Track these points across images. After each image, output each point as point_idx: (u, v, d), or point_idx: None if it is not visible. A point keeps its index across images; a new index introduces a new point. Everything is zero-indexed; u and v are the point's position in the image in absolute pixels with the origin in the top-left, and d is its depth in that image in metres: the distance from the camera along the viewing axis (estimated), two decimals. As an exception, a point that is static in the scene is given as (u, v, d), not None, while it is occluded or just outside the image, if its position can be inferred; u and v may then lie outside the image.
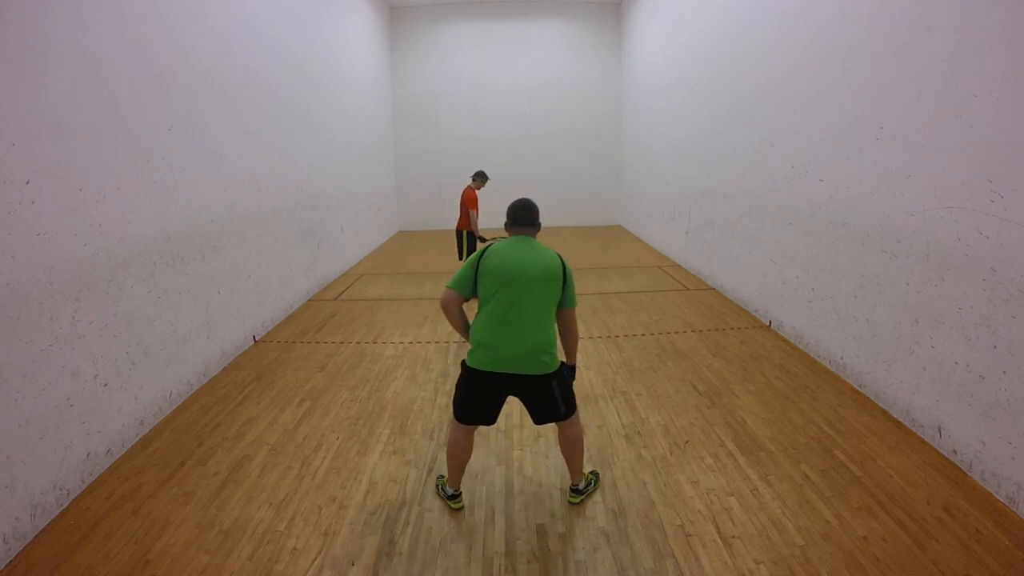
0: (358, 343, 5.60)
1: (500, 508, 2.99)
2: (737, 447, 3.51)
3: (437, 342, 5.58)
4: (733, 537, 2.71)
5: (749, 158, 6.28)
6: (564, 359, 2.86)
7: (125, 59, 3.78)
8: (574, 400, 2.84)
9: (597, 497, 3.05)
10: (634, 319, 6.18)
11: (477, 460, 3.43)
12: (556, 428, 2.97)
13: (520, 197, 2.90)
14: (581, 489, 3.01)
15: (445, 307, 2.75)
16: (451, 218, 13.60)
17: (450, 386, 4.52)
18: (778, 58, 5.52)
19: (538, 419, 2.83)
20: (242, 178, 5.54)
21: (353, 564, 2.61)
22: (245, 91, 5.64)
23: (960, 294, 3.26)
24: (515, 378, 2.66)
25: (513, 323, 2.62)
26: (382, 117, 12.34)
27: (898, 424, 3.74)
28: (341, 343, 5.61)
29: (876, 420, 3.80)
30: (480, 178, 7.36)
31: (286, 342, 5.67)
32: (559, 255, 2.78)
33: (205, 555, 2.68)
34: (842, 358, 4.49)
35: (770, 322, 5.78)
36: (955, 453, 3.29)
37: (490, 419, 2.82)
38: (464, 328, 2.80)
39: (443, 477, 3.15)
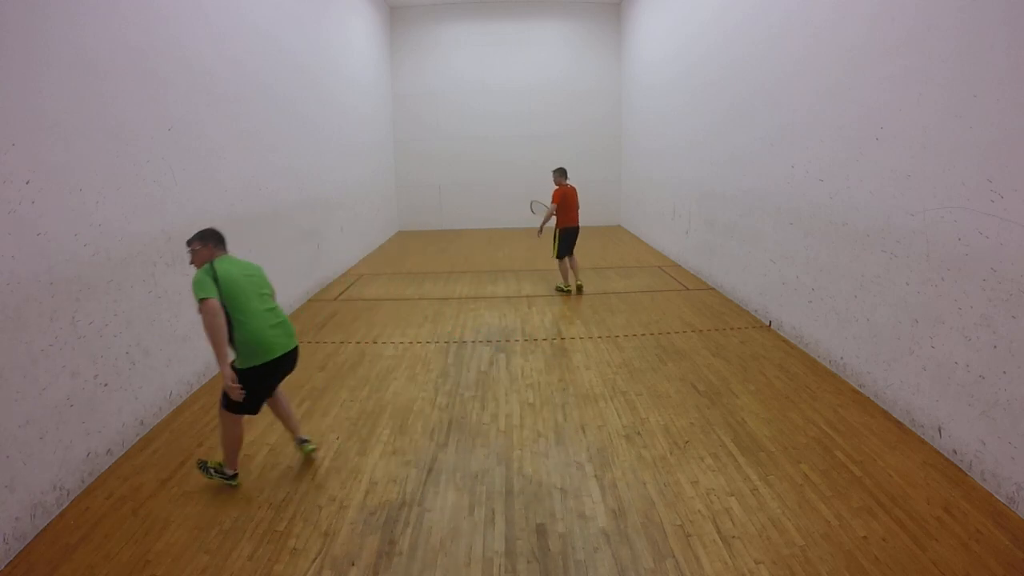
0: (358, 343, 5.60)
1: (500, 508, 2.99)
2: (737, 447, 3.51)
3: (437, 342, 5.58)
4: (733, 537, 2.71)
5: (749, 158, 6.28)
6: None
7: (125, 59, 3.78)
8: None
9: (597, 497, 3.05)
10: (634, 319, 6.18)
11: (477, 460, 3.43)
12: (279, 399, 3.39)
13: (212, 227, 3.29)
14: (308, 439, 3.42)
15: (215, 314, 2.83)
16: (450, 218, 13.74)
17: (450, 386, 4.52)
18: (778, 58, 5.52)
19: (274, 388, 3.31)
20: (242, 178, 5.54)
21: (353, 564, 2.61)
22: (245, 91, 5.64)
23: (960, 294, 3.26)
24: (292, 355, 3.18)
25: (274, 314, 3.15)
26: (382, 117, 12.34)
27: (898, 424, 3.74)
28: (341, 343, 5.61)
29: (876, 420, 3.80)
30: (558, 174, 7.28)
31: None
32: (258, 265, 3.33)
33: (205, 555, 2.68)
34: (842, 358, 4.49)
35: (770, 322, 5.78)
36: (955, 453, 3.29)
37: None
38: (225, 339, 2.92)
39: (214, 463, 3.23)
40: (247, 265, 3.21)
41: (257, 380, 3.05)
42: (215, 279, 2.91)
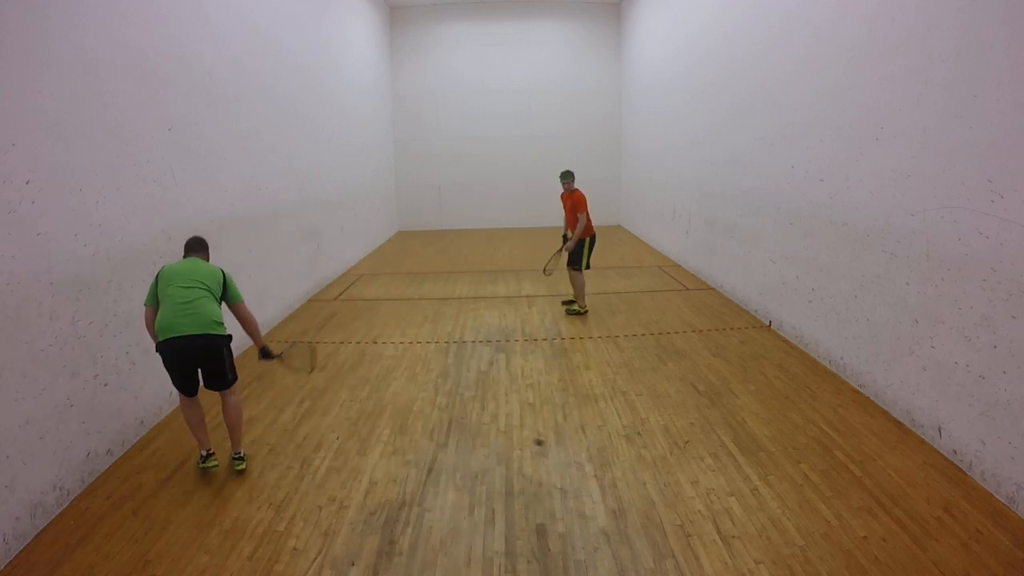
0: (358, 343, 5.60)
1: (500, 508, 2.99)
2: (737, 447, 3.51)
3: (437, 342, 5.58)
4: (733, 537, 2.71)
5: (749, 158, 6.28)
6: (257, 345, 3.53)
7: (125, 59, 3.78)
8: (236, 371, 3.42)
9: (597, 497, 3.05)
10: (634, 319, 6.18)
11: (477, 460, 3.43)
12: (221, 397, 3.41)
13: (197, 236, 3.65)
14: (243, 456, 3.42)
15: (146, 324, 3.31)
16: (450, 218, 13.74)
17: (450, 386, 4.52)
18: (778, 58, 5.52)
19: (209, 383, 3.35)
20: (242, 178, 5.54)
21: (353, 564, 2.61)
22: (245, 91, 5.64)
23: (960, 294, 3.26)
24: (194, 340, 3.16)
25: (190, 305, 3.19)
26: (382, 117, 12.34)
27: (898, 424, 3.74)
28: (341, 343, 5.61)
29: (876, 420, 3.80)
30: (571, 178, 6.38)
31: (286, 342, 5.67)
32: (221, 268, 3.47)
33: (205, 555, 2.68)
34: (842, 358, 4.49)
35: (770, 322, 5.78)
36: (955, 453, 3.29)
37: (194, 386, 3.33)
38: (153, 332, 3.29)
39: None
40: (196, 263, 3.42)
41: (164, 357, 3.22)
42: (156, 280, 3.29)
